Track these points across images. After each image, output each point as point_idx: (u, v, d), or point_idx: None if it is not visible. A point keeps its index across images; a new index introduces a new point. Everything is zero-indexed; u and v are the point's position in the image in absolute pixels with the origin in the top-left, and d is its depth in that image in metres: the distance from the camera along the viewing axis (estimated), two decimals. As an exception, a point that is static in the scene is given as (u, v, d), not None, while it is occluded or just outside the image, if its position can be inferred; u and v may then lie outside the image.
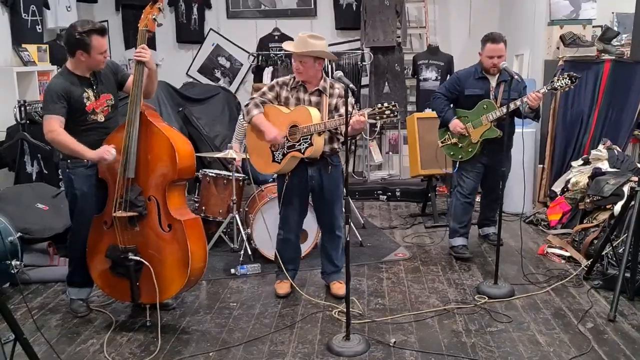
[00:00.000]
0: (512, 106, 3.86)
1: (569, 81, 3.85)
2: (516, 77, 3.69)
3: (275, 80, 3.56)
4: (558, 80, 3.88)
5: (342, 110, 3.40)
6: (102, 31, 3.19)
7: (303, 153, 3.42)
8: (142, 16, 3.22)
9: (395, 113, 3.23)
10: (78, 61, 3.20)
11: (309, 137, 3.38)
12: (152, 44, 7.31)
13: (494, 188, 4.25)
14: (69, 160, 3.26)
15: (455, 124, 4.19)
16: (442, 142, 4.37)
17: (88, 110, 3.24)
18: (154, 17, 3.20)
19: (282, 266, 3.63)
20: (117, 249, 3.18)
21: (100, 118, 3.30)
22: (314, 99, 3.49)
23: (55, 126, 3.13)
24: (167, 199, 3.18)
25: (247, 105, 3.51)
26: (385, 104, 3.22)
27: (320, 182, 3.54)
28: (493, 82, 4.14)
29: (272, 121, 3.48)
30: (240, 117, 5.23)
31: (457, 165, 4.34)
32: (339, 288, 3.64)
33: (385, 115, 3.21)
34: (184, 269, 3.14)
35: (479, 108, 4.13)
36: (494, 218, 4.47)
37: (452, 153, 4.32)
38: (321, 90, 3.48)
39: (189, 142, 3.33)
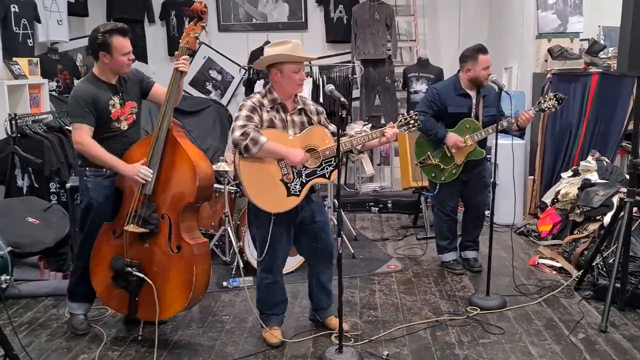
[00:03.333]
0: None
1: (556, 102, 3.92)
2: (504, 89, 3.71)
3: (250, 102, 3.04)
4: (545, 101, 3.94)
5: (331, 127, 3.23)
6: (124, 31, 3.14)
7: (329, 178, 3.12)
8: (185, 32, 3.18)
9: (418, 122, 3.24)
10: (102, 65, 3.15)
11: (333, 158, 3.11)
12: (143, 57, 7.34)
13: (477, 205, 4.26)
14: (87, 168, 3.20)
15: (456, 139, 3.97)
16: (421, 163, 4.17)
17: (113, 117, 3.18)
18: (196, 35, 3.16)
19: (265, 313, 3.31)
20: (122, 261, 3.14)
21: (124, 126, 3.24)
22: (297, 118, 3.14)
23: (85, 138, 3.08)
24: (181, 220, 3.13)
25: (244, 134, 2.92)
26: (406, 115, 3.24)
27: (311, 211, 3.19)
28: (474, 98, 4.06)
29: None
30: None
31: (437, 188, 4.16)
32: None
33: (410, 125, 3.22)
34: (186, 292, 3.10)
35: (460, 127, 4.01)
36: (478, 239, 4.38)
37: (433, 175, 4.13)
38: (303, 108, 3.18)
39: (210, 164, 3.26)
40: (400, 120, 3.24)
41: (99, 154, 3.10)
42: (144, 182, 3.08)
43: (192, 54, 7.22)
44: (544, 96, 4.02)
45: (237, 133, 2.94)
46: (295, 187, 3.06)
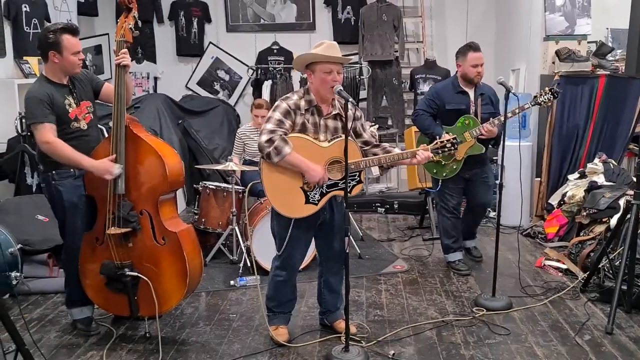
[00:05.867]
0: (497, 122, 3.98)
1: (551, 96, 4.04)
2: (512, 91, 3.73)
3: (285, 104, 2.99)
4: (541, 95, 4.06)
5: (366, 135, 3.19)
6: (74, 30, 3.11)
7: (350, 192, 3.03)
8: (118, 26, 3.17)
9: (456, 147, 3.18)
10: (53, 65, 3.11)
11: (358, 173, 3.06)
12: (152, 57, 7.39)
13: (481, 205, 4.37)
14: (54, 172, 3.14)
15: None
16: None
17: (71, 117, 3.15)
18: (130, 26, 3.15)
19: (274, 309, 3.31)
20: (113, 265, 3.15)
21: (83, 125, 3.21)
22: (330, 123, 3.07)
23: (50, 136, 3.03)
24: (160, 212, 3.16)
25: (270, 140, 2.89)
26: (446, 138, 3.17)
27: (331, 214, 3.17)
28: (472, 96, 4.17)
29: (306, 156, 2.97)
30: (239, 130, 5.27)
31: (439, 184, 4.27)
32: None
33: (446, 149, 3.16)
34: (182, 280, 3.15)
35: (461, 123, 4.12)
36: (475, 231, 4.56)
37: (435, 171, 4.24)
38: (339, 113, 3.08)
39: (175, 152, 3.31)
40: (436, 144, 3.19)
41: (67, 152, 3.05)
42: (117, 172, 3.04)
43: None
44: (539, 91, 4.16)
45: (264, 138, 2.92)
46: (314, 197, 3.03)
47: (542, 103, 4.08)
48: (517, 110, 3.97)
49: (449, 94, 4.17)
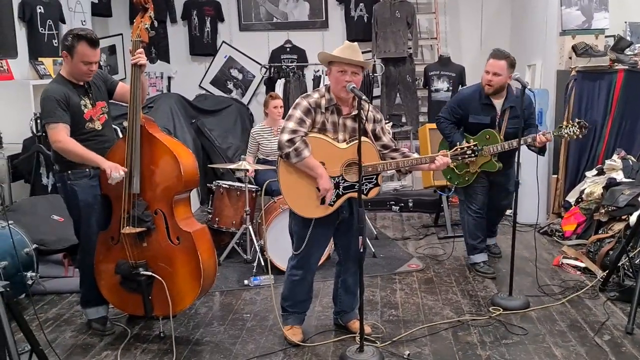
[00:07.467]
0: (514, 144, 3.83)
1: (578, 130, 3.91)
2: (528, 87, 3.65)
3: (306, 102, 2.99)
4: (567, 127, 3.94)
5: (385, 139, 3.16)
6: (93, 42, 3.11)
7: (366, 195, 3.08)
8: (134, 26, 3.19)
9: (476, 153, 3.14)
10: (66, 65, 3.16)
11: (375, 176, 3.09)
12: (165, 56, 7.42)
13: (498, 204, 4.35)
14: (69, 172, 3.17)
15: None
16: None
17: (86, 118, 3.18)
18: (146, 26, 3.17)
19: (288, 309, 3.31)
20: (127, 264, 3.16)
21: (98, 126, 3.24)
22: (349, 123, 3.05)
23: (62, 135, 3.05)
24: (174, 211, 3.17)
25: (291, 140, 2.90)
26: (466, 145, 3.13)
27: (351, 213, 3.15)
28: (499, 109, 4.04)
29: (324, 157, 2.99)
30: (253, 130, 5.24)
31: (452, 189, 4.28)
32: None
33: (466, 156, 3.13)
34: (196, 280, 3.15)
35: (481, 137, 4.02)
36: (495, 229, 4.58)
37: (449, 177, 4.25)
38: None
39: (190, 152, 3.31)
40: (456, 149, 3.16)
41: (77, 150, 3.06)
42: (110, 178, 3.02)
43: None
44: (565, 123, 4.05)
45: (285, 137, 2.92)
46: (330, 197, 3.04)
47: (567, 135, 3.94)
48: (542, 137, 3.85)
49: (474, 104, 4.06)
